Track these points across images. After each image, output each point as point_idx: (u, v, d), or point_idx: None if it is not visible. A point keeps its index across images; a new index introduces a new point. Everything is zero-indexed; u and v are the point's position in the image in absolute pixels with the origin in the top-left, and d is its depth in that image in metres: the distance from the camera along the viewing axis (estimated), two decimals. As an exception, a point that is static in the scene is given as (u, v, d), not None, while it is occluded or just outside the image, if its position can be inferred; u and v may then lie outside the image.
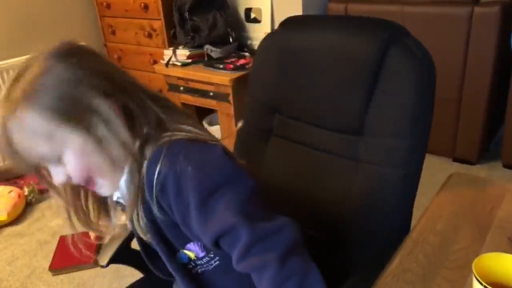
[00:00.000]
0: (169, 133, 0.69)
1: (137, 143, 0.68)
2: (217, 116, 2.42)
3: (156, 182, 0.66)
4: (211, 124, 2.60)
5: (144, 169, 0.67)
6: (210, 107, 2.42)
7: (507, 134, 2.30)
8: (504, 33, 2.17)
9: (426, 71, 0.90)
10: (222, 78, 2.23)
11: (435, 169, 2.49)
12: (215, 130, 2.52)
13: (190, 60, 2.45)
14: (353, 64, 0.94)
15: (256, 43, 2.67)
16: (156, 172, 0.65)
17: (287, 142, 1.09)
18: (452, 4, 2.18)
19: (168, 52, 2.49)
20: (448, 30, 2.21)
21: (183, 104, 2.52)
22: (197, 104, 2.47)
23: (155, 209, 0.69)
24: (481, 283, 0.57)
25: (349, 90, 0.96)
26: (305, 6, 2.50)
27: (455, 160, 2.51)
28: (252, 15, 2.70)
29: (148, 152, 0.68)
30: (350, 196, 0.96)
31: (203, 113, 2.64)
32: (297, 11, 2.50)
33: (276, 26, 2.61)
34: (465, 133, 2.39)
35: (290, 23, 1.10)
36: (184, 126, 0.70)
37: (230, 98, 2.27)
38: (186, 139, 0.68)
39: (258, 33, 2.66)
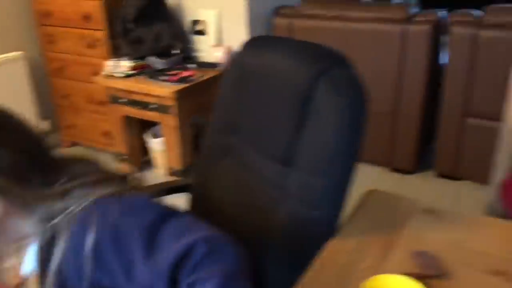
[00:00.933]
0: (80, 197, 0.64)
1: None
2: (161, 128, 2.40)
3: (87, 255, 0.60)
4: (155, 136, 2.56)
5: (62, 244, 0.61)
6: (153, 120, 2.39)
7: (440, 144, 2.43)
8: (436, 48, 2.29)
9: (350, 110, 0.84)
10: (165, 90, 2.21)
11: (375, 179, 2.59)
12: (159, 143, 2.50)
13: (133, 72, 2.41)
14: (290, 92, 0.92)
15: (201, 55, 2.67)
16: (86, 245, 0.60)
17: (235, 163, 1.08)
18: (389, 21, 2.28)
19: (110, 63, 2.44)
20: (384, 46, 2.31)
21: (126, 117, 2.47)
22: (140, 117, 2.43)
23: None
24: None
25: (283, 119, 0.94)
26: (250, 19, 2.53)
27: (393, 170, 2.61)
28: (198, 27, 2.70)
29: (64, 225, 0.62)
30: (274, 226, 0.95)
31: (147, 125, 2.60)
32: (241, 24, 2.52)
33: (222, 39, 2.64)
34: (402, 145, 2.49)
35: (251, 42, 1.09)
36: (88, 191, 0.64)
37: (173, 110, 2.25)
38: (101, 198, 0.64)
39: (203, 45, 2.66)
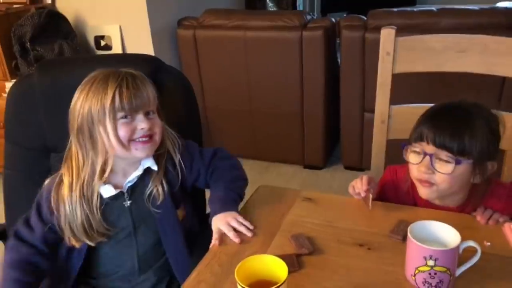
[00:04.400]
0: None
1: None
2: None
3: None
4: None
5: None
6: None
7: (344, 139, 2.63)
8: (330, 51, 2.49)
9: (187, 85, 1.22)
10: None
11: (289, 177, 2.73)
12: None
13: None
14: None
15: (109, 70, 2.66)
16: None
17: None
18: (285, 28, 2.44)
19: (10, 85, 2.35)
20: (284, 51, 2.46)
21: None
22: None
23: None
24: (242, 287, 0.68)
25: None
26: (153, 32, 2.57)
27: (306, 166, 2.77)
28: (103, 43, 2.69)
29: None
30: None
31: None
32: (146, 37, 2.55)
33: (128, 52, 2.64)
34: (310, 142, 2.66)
35: (45, 66, 1.21)
36: None
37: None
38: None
39: (110, 60, 2.65)
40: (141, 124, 0.94)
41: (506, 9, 2.24)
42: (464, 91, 1.96)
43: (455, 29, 2.09)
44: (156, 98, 0.99)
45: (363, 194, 0.99)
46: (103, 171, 0.96)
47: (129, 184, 1.01)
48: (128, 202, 1.01)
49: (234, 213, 0.98)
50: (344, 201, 1.05)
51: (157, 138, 0.98)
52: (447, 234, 0.76)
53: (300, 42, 2.41)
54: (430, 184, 0.94)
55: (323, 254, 0.86)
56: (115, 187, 1.00)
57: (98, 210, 0.97)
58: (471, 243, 0.74)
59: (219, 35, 2.56)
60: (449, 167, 0.90)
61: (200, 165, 1.08)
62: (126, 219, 1.01)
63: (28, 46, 2.42)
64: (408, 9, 2.38)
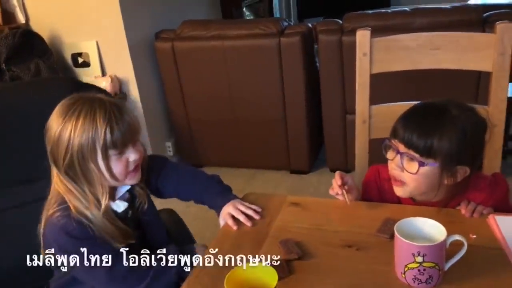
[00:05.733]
0: None
1: None
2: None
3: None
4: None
5: None
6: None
7: (328, 142, 2.64)
8: (309, 56, 2.51)
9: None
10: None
11: (276, 182, 2.73)
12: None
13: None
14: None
15: (88, 87, 2.63)
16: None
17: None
18: (263, 36, 2.45)
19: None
20: (263, 58, 2.47)
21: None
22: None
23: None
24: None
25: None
26: (131, 46, 2.55)
27: (292, 172, 2.78)
28: (80, 60, 2.66)
29: None
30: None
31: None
32: (124, 51, 2.54)
33: (106, 69, 2.62)
34: (295, 147, 2.67)
35: None
36: None
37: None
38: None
39: (88, 77, 2.62)
40: (132, 156, 0.95)
41: (476, 6, 2.30)
42: (443, 86, 1.99)
43: (429, 28, 2.12)
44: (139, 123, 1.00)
45: (339, 192, 1.00)
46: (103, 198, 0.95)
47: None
48: (130, 212, 1.03)
49: (238, 200, 1.04)
50: (329, 203, 1.05)
51: (143, 162, 1.01)
52: (434, 230, 0.77)
53: (278, 49, 2.42)
54: (401, 182, 0.96)
55: (312, 258, 0.86)
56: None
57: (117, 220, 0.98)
58: (457, 237, 0.74)
59: (197, 46, 2.56)
60: (414, 167, 0.91)
61: (150, 174, 1.09)
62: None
63: (4, 67, 2.38)
64: (383, 10, 2.42)
